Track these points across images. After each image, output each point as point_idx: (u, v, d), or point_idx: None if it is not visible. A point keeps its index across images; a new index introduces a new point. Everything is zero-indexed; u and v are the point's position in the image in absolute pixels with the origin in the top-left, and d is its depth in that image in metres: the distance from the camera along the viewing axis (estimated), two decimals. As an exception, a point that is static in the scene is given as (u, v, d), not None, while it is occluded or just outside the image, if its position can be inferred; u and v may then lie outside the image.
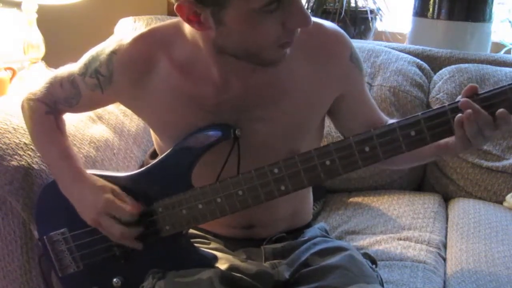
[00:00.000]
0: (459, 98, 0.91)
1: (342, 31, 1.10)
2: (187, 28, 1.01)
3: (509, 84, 0.88)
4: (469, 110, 0.88)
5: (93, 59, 1.09)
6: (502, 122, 0.88)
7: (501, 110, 0.88)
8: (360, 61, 1.13)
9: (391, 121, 1.09)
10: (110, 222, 1.04)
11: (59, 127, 1.17)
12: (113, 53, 1.06)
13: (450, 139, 0.95)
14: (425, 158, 1.09)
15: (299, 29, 0.94)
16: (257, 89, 1.03)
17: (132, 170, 1.15)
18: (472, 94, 0.90)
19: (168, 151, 1.06)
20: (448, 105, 0.91)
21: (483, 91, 0.90)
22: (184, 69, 1.03)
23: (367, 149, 0.93)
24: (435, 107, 1.80)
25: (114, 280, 1.11)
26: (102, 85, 1.08)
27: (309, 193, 1.25)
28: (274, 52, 0.95)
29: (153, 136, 1.18)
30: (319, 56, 1.06)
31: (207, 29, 0.93)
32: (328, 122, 1.19)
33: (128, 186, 1.08)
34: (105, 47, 1.09)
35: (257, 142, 1.06)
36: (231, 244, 1.16)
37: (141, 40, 1.06)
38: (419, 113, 0.92)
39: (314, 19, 1.07)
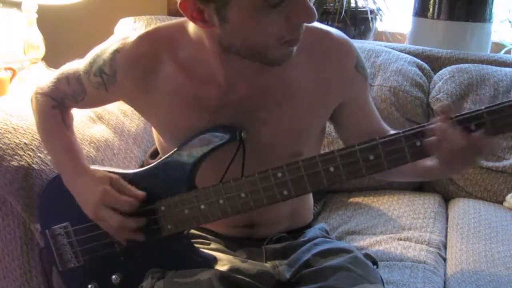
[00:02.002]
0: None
1: (349, 39, 1.10)
2: (192, 28, 1.01)
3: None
4: (434, 125, 0.88)
5: (98, 57, 1.10)
6: (479, 142, 0.86)
7: (474, 134, 0.86)
8: (366, 70, 1.12)
9: (392, 131, 1.08)
10: (108, 213, 1.04)
11: (65, 121, 1.17)
12: (117, 51, 1.06)
13: (435, 163, 0.95)
14: (417, 177, 1.08)
15: (304, 26, 0.94)
16: (261, 92, 1.03)
17: (136, 169, 1.15)
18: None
19: (174, 150, 1.05)
20: (456, 117, 0.90)
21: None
22: (189, 69, 1.03)
23: (371, 157, 0.92)
24: (435, 107, 1.81)
25: (113, 276, 1.11)
26: (106, 83, 1.08)
27: (309, 194, 1.25)
28: (279, 50, 0.94)
29: (155, 135, 1.18)
30: (324, 63, 1.06)
31: (211, 27, 0.93)
32: (328, 123, 1.19)
33: (132, 183, 1.08)
34: (109, 45, 1.09)
35: (260, 144, 1.05)
36: (231, 244, 1.16)
37: (145, 38, 1.06)
38: (425, 123, 0.91)
39: (322, 25, 1.07)
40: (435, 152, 0.89)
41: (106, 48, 1.09)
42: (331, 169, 0.94)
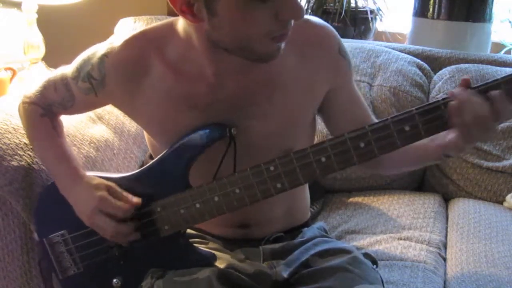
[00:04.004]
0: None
1: (329, 25, 1.11)
2: (181, 27, 1.01)
3: (502, 77, 0.89)
4: (459, 90, 0.90)
5: (85, 62, 1.09)
6: (498, 103, 0.88)
7: (495, 91, 0.88)
8: (348, 55, 1.13)
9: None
10: (103, 220, 1.04)
11: (56, 128, 1.17)
12: (105, 56, 1.06)
13: (452, 137, 0.94)
14: (430, 159, 1.07)
15: (292, 22, 0.94)
16: (251, 87, 1.04)
17: (132, 171, 1.15)
18: (467, 86, 0.91)
19: (165, 151, 1.06)
20: (442, 99, 0.91)
21: (478, 84, 0.91)
22: (177, 68, 1.03)
23: (362, 145, 0.93)
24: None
25: (114, 280, 1.11)
26: (95, 88, 1.08)
27: (304, 192, 1.24)
28: (267, 46, 0.94)
29: (147, 138, 1.18)
30: (309, 50, 1.06)
31: (200, 21, 0.93)
32: (319, 119, 1.20)
33: (126, 186, 1.08)
34: (97, 50, 1.09)
35: (252, 140, 1.06)
36: (229, 244, 1.16)
37: (132, 42, 1.06)
38: (413, 108, 0.92)
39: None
40: (456, 118, 0.90)
41: (93, 53, 1.09)
42: (323, 159, 0.94)
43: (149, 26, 1.09)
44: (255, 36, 0.92)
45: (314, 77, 1.07)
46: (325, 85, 1.10)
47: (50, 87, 1.15)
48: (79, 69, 1.10)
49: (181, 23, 1.01)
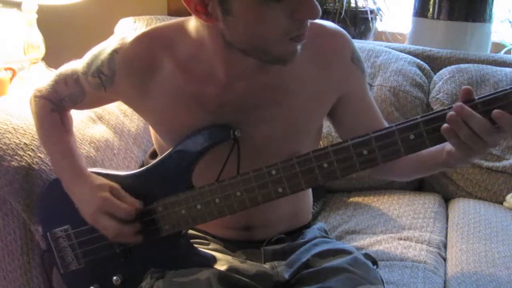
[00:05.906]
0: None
1: (344, 31, 1.09)
2: (193, 27, 1.01)
3: (510, 88, 0.85)
4: (452, 113, 0.85)
5: (95, 58, 1.09)
6: (502, 123, 0.83)
7: (495, 110, 0.83)
8: (362, 63, 1.12)
9: None
10: (106, 221, 1.04)
11: (64, 124, 1.17)
12: (115, 51, 1.06)
13: (453, 150, 0.92)
14: (435, 168, 1.05)
15: (308, 22, 0.93)
16: (260, 90, 1.03)
17: (132, 170, 1.15)
18: (471, 98, 0.87)
19: (169, 150, 1.05)
20: (448, 108, 0.89)
21: (483, 95, 0.87)
22: (188, 68, 1.03)
23: (365, 152, 0.92)
24: (435, 107, 1.81)
25: (114, 278, 1.11)
26: (104, 84, 1.08)
27: (308, 194, 1.24)
28: (284, 46, 0.93)
29: (153, 136, 1.18)
30: (321, 57, 1.05)
31: (214, 21, 0.92)
32: (327, 123, 1.19)
33: (129, 184, 1.08)
34: (107, 46, 1.08)
35: (257, 143, 1.05)
36: (230, 245, 1.16)
37: (143, 39, 1.05)
38: (418, 116, 0.90)
39: (316, 20, 1.07)
40: (451, 137, 0.86)
41: (104, 48, 1.09)
42: (325, 165, 0.93)
43: (160, 24, 1.08)
44: (270, 37, 0.91)
45: (324, 85, 1.06)
46: (335, 93, 1.09)
47: (61, 81, 1.16)
48: (89, 64, 1.10)
49: (193, 23, 1.01)
